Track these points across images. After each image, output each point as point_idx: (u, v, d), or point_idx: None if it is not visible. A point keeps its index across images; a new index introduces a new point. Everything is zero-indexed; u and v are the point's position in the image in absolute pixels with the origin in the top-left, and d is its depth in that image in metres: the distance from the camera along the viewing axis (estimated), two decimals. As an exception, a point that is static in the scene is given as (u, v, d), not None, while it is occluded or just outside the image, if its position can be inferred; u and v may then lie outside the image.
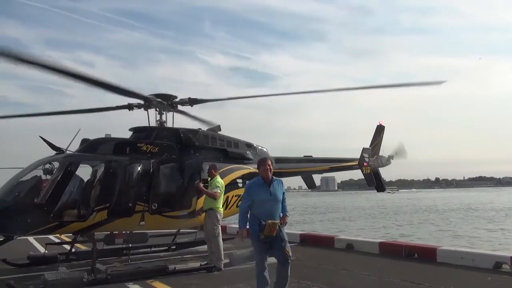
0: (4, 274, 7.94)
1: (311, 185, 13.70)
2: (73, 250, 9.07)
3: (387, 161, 14.50)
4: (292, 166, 11.93)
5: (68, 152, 8.31)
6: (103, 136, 8.89)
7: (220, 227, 8.56)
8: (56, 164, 7.87)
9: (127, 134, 9.55)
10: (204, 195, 8.62)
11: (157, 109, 9.74)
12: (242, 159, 10.37)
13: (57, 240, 11.28)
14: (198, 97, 9.82)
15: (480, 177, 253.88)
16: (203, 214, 8.62)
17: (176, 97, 9.80)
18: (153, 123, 9.76)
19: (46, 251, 9.07)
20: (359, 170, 13.58)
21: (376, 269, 8.17)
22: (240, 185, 10.12)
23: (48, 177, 7.78)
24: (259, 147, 11.14)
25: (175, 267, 8.11)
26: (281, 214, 5.76)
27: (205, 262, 8.44)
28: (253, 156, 10.57)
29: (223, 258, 8.34)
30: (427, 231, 24.84)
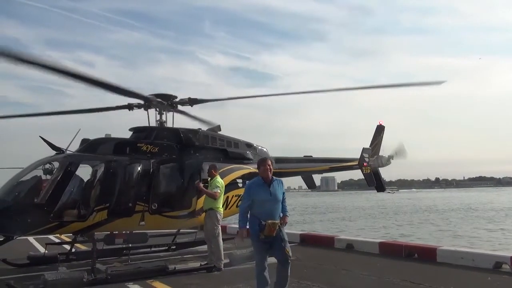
0: (4, 274, 7.94)
1: (311, 185, 13.70)
2: (73, 250, 9.07)
3: (387, 161, 14.51)
4: (292, 166, 11.94)
5: (68, 152, 8.31)
6: (103, 136, 8.90)
7: (220, 227, 8.56)
8: (56, 164, 7.87)
9: (127, 134, 9.56)
10: (204, 195, 8.62)
11: (157, 109, 9.74)
12: (242, 159, 10.37)
13: (57, 240, 11.28)
14: (198, 97, 9.83)
15: (480, 177, 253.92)
16: (203, 214, 8.62)
17: (176, 97, 9.81)
18: (153, 123, 9.76)
19: (46, 251, 9.07)
20: (359, 170, 13.58)
21: (376, 269, 8.17)
22: (240, 185, 10.12)
23: (48, 177, 7.78)
24: (259, 147, 11.14)
25: (175, 267, 8.11)
26: (281, 214, 5.77)
27: (205, 262, 8.44)
28: (253, 156, 10.56)
29: (223, 258, 8.34)
30: (427, 231, 24.85)
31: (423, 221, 32.65)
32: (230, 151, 10.19)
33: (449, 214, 39.19)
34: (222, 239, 8.59)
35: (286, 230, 5.95)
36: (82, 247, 10.16)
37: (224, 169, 9.53)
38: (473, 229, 25.87)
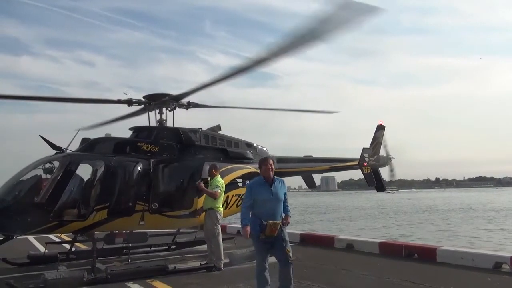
0: (4, 273, 7.94)
1: (311, 184, 13.69)
2: (73, 249, 9.06)
3: (387, 161, 14.51)
4: (292, 165, 11.92)
5: (68, 151, 8.31)
6: (103, 135, 8.90)
7: (220, 227, 8.56)
8: (56, 164, 7.87)
9: (127, 134, 9.56)
10: (204, 195, 8.62)
11: (157, 109, 9.73)
12: (242, 159, 10.36)
13: (57, 240, 11.28)
14: (199, 96, 9.82)
15: (480, 177, 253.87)
16: (203, 214, 8.62)
17: (176, 96, 9.79)
18: (153, 123, 9.76)
19: (46, 250, 9.09)
20: (359, 170, 13.57)
21: (376, 269, 8.16)
22: (240, 184, 10.12)
23: (48, 176, 7.78)
24: (259, 147, 11.14)
25: (175, 267, 8.10)
26: (283, 214, 5.75)
27: (205, 262, 8.44)
28: (253, 156, 10.56)
29: (223, 257, 8.34)
30: (427, 231, 24.84)
31: (423, 221, 32.65)
32: (230, 151, 10.18)
33: (449, 214, 39.18)
34: (222, 238, 8.58)
35: (286, 230, 5.94)
36: (82, 246, 10.16)
37: (224, 168, 9.52)
38: (473, 229, 25.87)
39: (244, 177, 10.10)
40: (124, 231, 8.52)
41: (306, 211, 47.65)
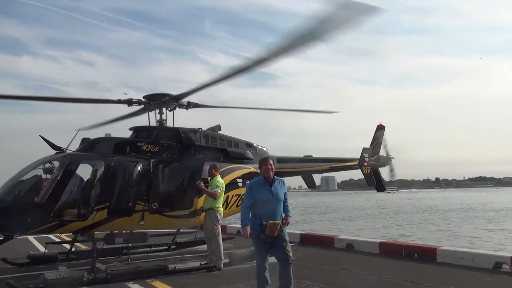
0: (4, 273, 7.94)
1: (311, 184, 13.68)
2: (73, 249, 9.06)
3: (387, 161, 14.50)
4: (292, 165, 11.92)
5: (68, 151, 8.31)
6: (103, 135, 8.90)
7: (220, 227, 8.56)
8: (56, 164, 7.87)
9: (127, 134, 9.56)
10: (204, 195, 8.62)
11: (157, 109, 9.73)
12: (242, 159, 10.36)
13: (57, 240, 11.28)
14: (198, 96, 9.82)
15: (480, 177, 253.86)
16: (203, 214, 8.62)
17: (176, 96, 9.78)
18: (153, 123, 9.76)
19: (46, 250, 9.09)
20: (359, 170, 13.57)
21: (376, 269, 8.16)
22: (240, 184, 10.12)
23: (48, 176, 7.78)
24: (259, 147, 11.14)
25: (175, 267, 8.10)
26: (283, 214, 5.74)
27: (205, 262, 8.44)
28: (253, 156, 10.56)
29: (223, 257, 8.34)
30: (427, 231, 24.84)
31: (423, 221, 32.65)
32: (230, 151, 10.18)
33: (449, 214, 39.18)
34: (222, 238, 8.58)
35: (286, 230, 5.93)
36: (82, 246, 10.16)
37: (224, 168, 9.52)
38: (473, 229, 25.86)
39: (244, 177, 10.10)
40: (124, 231, 8.52)
41: (306, 211, 47.65)
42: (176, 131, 9.53)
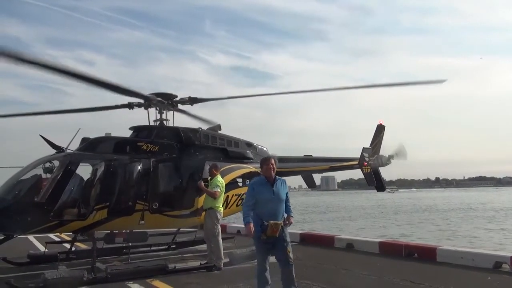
0: (4, 273, 7.94)
1: (311, 184, 13.69)
2: (73, 249, 9.07)
3: (387, 160, 14.49)
4: (292, 165, 11.92)
5: (68, 151, 8.30)
6: (103, 135, 8.89)
7: (220, 226, 8.56)
8: (56, 163, 7.87)
9: (127, 133, 9.56)
10: (204, 194, 8.61)
11: (157, 108, 9.73)
12: (242, 158, 10.36)
13: (57, 239, 11.29)
14: (199, 96, 9.82)
15: (480, 177, 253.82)
16: (203, 213, 8.62)
17: (176, 96, 9.80)
18: (153, 122, 9.75)
19: (46, 250, 9.09)
20: (359, 170, 13.56)
21: (376, 268, 8.17)
22: (240, 184, 10.12)
23: (48, 176, 7.78)
24: (259, 147, 11.14)
25: (175, 266, 8.10)
26: (285, 215, 5.72)
27: (205, 261, 8.44)
28: (253, 156, 10.57)
29: (223, 257, 8.34)
30: (427, 231, 24.83)
31: (423, 220, 32.64)
32: (230, 150, 10.18)
33: (449, 214, 39.17)
34: (222, 238, 8.59)
35: (287, 230, 5.90)
36: (82, 246, 10.17)
37: (224, 168, 9.52)
38: (473, 229, 25.85)
39: (244, 176, 10.11)
40: (124, 231, 8.52)
41: (306, 211, 47.58)
42: (176, 131, 9.53)
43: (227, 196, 9.43)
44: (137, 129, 9.53)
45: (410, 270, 8.04)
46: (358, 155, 13.54)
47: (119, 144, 8.72)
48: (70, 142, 8.39)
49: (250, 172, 10.05)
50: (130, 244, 9.24)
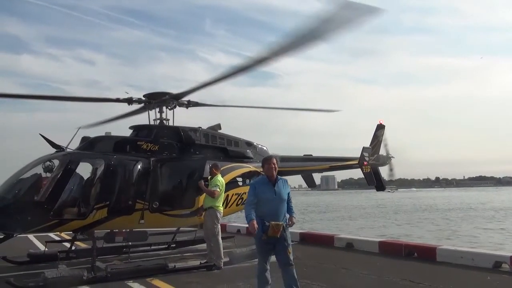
0: (4, 272, 7.94)
1: (311, 184, 13.68)
2: (73, 248, 9.07)
3: (387, 160, 14.50)
4: (292, 165, 11.90)
5: (68, 150, 8.30)
6: (103, 134, 8.89)
7: (219, 226, 8.56)
8: (56, 162, 7.87)
9: (127, 133, 9.56)
10: (204, 194, 8.61)
11: (157, 108, 9.73)
12: (242, 158, 10.35)
13: (57, 238, 11.28)
14: (199, 95, 9.81)
15: (480, 176, 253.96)
16: (203, 213, 8.62)
17: (176, 95, 9.78)
18: (153, 122, 9.75)
19: (46, 249, 9.08)
20: (359, 169, 13.57)
21: (376, 268, 8.17)
22: (240, 183, 10.11)
23: (48, 175, 7.78)
24: (259, 146, 11.13)
25: (175, 265, 8.11)
26: (287, 215, 5.70)
27: (205, 261, 8.45)
28: (253, 155, 10.56)
29: (223, 256, 8.35)
30: (427, 231, 24.83)
31: (423, 220, 32.64)
32: (230, 150, 10.17)
33: (449, 214, 39.16)
34: (222, 237, 8.59)
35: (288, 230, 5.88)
36: (82, 245, 10.18)
37: (224, 167, 9.51)
38: (473, 229, 25.85)
39: (244, 176, 10.10)
40: (124, 230, 8.53)
41: (306, 210, 47.57)
42: (176, 130, 9.53)
43: (227, 196, 9.43)
44: (137, 128, 9.54)
45: (410, 269, 8.05)
46: (358, 155, 13.55)
47: (119, 143, 8.72)
48: (70, 141, 8.40)
49: (250, 171, 10.05)
50: (130, 243, 9.24)
